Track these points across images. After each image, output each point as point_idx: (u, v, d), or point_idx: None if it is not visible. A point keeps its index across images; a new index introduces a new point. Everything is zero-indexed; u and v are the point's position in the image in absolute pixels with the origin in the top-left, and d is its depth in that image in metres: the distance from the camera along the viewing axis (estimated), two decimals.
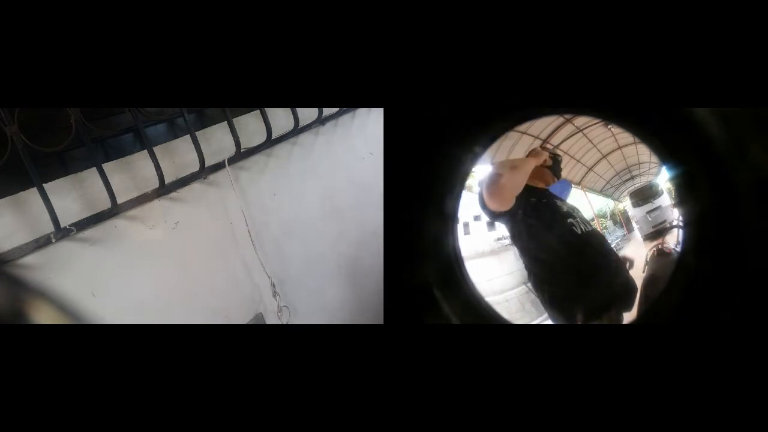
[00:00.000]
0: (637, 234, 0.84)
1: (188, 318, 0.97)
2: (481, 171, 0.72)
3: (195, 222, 1.00)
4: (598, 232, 0.79)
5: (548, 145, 0.78)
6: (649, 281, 0.76)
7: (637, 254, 0.81)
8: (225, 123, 1.05)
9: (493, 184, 0.72)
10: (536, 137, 0.77)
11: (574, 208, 0.79)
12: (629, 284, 0.76)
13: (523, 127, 0.68)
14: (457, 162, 0.56)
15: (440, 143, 0.52)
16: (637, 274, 0.78)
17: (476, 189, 0.73)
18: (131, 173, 0.94)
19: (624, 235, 0.88)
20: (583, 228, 0.76)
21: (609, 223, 0.89)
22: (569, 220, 0.76)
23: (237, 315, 1.08)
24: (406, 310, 0.53)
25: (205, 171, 1.01)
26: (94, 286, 0.83)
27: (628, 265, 0.78)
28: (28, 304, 0.38)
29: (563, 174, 0.81)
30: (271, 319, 1.13)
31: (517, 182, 0.72)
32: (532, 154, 0.76)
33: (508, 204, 0.72)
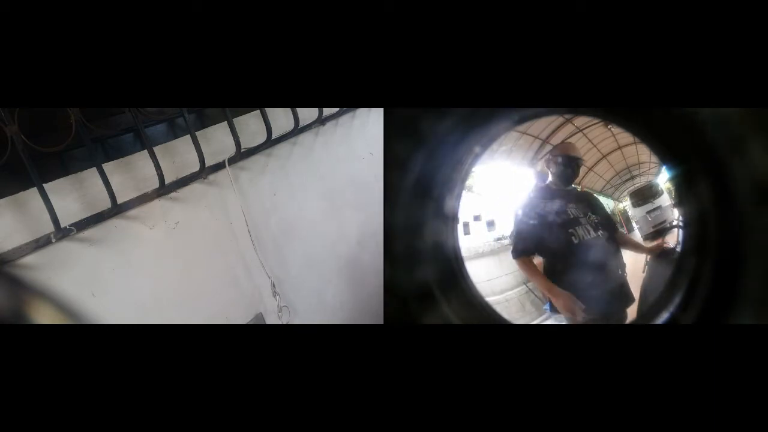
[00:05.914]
0: (637, 234, 0.84)
1: (188, 318, 0.97)
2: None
3: (195, 222, 1.00)
4: (601, 239, 0.79)
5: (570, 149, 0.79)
6: (649, 281, 0.76)
7: (637, 254, 0.81)
8: (225, 123, 1.05)
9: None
10: (536, 137, 0.77)
11: (585, 213, 0.79)
12: (623, 289, 0.77)
13: (523, 127, 0.68)
14: (457, 162, 0.56)
15: (440, 143, 0.52)
16: (637, 274, 0.78)
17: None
18: (131, 173, 0.94)
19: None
20: (582, 237, 0.77)
21: None
22: (570, 230, 0.76)
23: (237, 315, 1.08)
24: (406, 310, 0.53)
25: (205, 171, 1.01)
26: (94, 286, 0.83)
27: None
28: (28, 304, 0.38)
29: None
30: (271, 319, 1.13)
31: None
32: None
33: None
